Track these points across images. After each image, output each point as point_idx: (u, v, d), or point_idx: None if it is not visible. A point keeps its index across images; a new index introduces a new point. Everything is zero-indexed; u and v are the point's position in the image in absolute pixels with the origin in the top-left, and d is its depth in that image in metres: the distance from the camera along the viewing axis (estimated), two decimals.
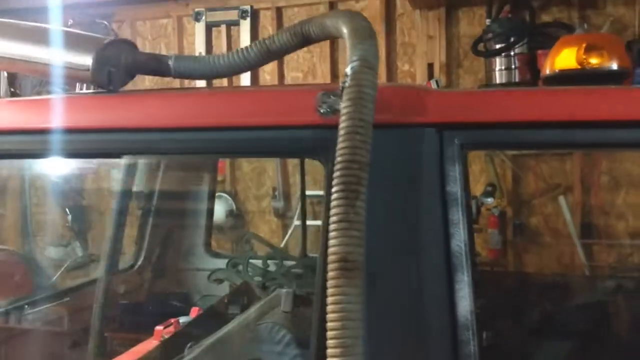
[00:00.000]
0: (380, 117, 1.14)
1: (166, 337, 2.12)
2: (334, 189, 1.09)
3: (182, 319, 2.28)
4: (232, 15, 4.99)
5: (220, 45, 5.11)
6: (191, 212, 2.96)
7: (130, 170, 2.22)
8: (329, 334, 1.04)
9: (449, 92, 1.61)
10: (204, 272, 2.94)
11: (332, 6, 4.72)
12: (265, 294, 2.64)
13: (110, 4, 5.21)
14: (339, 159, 1.10)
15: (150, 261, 2.83)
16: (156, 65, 1.58)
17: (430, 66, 4.35)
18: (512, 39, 4.04)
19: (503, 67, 4.11)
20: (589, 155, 4.16)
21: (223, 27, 5.07)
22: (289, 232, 4.77)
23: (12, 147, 1.41)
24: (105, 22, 5.03)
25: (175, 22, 5.19)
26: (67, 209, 5.01)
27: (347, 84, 1.16)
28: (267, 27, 4.99)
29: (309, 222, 4.84)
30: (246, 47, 1.50)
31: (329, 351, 1.04)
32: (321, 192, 4.60)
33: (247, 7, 4.93)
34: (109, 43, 1.50)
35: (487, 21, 4.22)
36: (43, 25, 1.56)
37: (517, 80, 4.01)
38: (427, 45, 4.35)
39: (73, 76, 1.47)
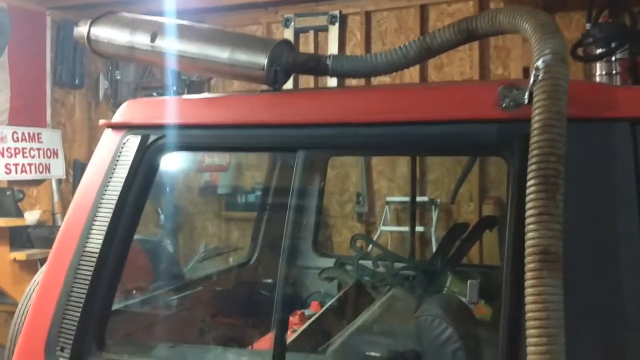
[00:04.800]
0: (572, 111, 1.15)
1: (295, 327, 2.20)
2: (531, 182, 1.11)
3: (307, 312, 2.35)
4: (321, 20, 5.08)
5: (308, 50, 5.21)
6: (302, 211, 3.03)
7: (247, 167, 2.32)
8: (531, 323, 1.06)
9: (637, 88, 1.61)
10: (311, 270, 3.01)
11: (422, 9, 4.73)
12: (375, 293, 2.69)
13: (201, 11, 5.40)
14: (535, 152, 1.12)
15: (263, 257, 2.93)
16: (314, 65, 1.65)
17: (526, 70, 4.30)
18: (613, 44, 3.94)
19: (604, 72, 4.01)
20: None
21: (311, 33, 5.17)
22: (375, 237, 4.79)
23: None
24: None
25: (264, 28, 5.33)
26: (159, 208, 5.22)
27: (540, 77, 1.18)
28: (355, 32, 5.06)
29: (392, 228, 4.92)
30: (405, 45, 1.54)
31: (532, 340, 1.05)
32: (406, 198, 4.58)
33: (336, 12, 5.01)
34: (276, 44, 1.58)
35: (587, 26, 4.12)
36: (217, 27, 1.65)
37: None
38: (523, 49, 4.30)
39: (247, 75, 1.56)
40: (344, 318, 2.23)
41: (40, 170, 5.22)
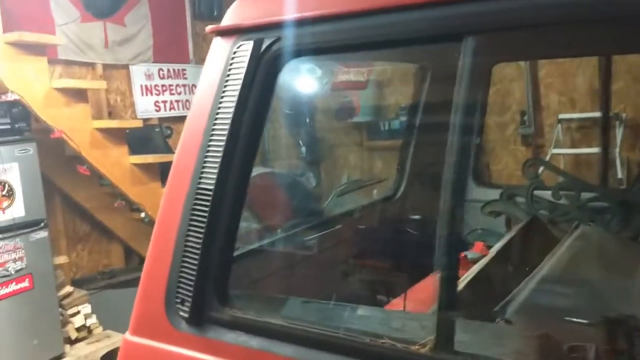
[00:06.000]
0: None
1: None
2: None
3: (469, 255, 1.94)
4: None
5: None
6: (462, 130, 2.57)
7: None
8: None
9: None
10: (471, 204, 2.56)
11: None
12: (557, 231, 2.20)
13: None
14: None
15: (411, 190, 2.54)
16: None
17: None
18: None
19: None
20: None
21: None
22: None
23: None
24: None
25: None
26: (300, 141, 5.01)
27: None
28: None
29: (567, 151, 4.21)
30: None
31: None
32: (583, 115, 3.79)
33: None
34: None
35: None
36: None
37: None
38: None
39: None
40: (521, 265, 1.79)
41: (188, 106, 5.25)
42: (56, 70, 4.18)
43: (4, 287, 3.22)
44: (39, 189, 3.43)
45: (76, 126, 3.69)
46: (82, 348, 3.67)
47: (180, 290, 1.26)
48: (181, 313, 1.25)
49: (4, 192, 3.22)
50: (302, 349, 1.10)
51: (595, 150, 3.79)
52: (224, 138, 1.22)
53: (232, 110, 1.22)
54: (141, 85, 4.86)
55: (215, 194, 1.22)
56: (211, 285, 1.23)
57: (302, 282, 1.80)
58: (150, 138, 4.43)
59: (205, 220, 1.22)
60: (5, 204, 3.23)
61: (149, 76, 4.90)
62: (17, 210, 3.28)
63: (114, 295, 4.51)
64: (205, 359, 1.22)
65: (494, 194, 2.51)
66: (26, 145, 3.36)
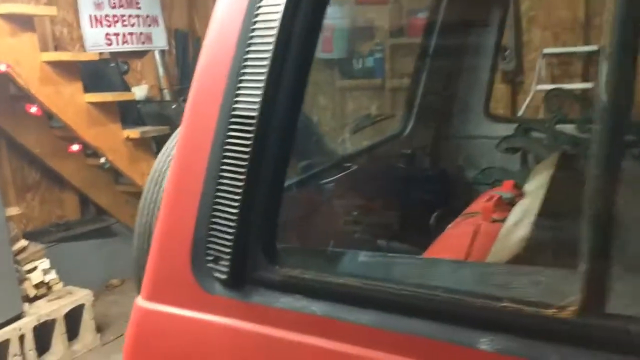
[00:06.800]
0: None
1: (496, 217, 1.61)
2: None
3: (504, 195, 1.74)
4: None
5: None
6: (469, 68, 2.34)
7: None
8: None
9: None
10: (482, 140, 2.37)
11: None
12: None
13: None
14: None
15: (420, 127, 2.31)
16: None
17: None
18: None
19: None
20: None
21: None
22: (528, 99, 3.99)
23: None
24: None
25: None
26: None
27: None
28: None
29: (550, 86, 4.07)
30: None
31: None
32: (567, 49, 3.60)
33: None
34: None
35: None
36: None
37: None
38: None
39: None
40: (567, 205, 1.60)
41: (142, 40, 4.76)
42: None
43: None
44: None
45: (23, 59, 3.22)
46: (42, 306, 3.34)
47: (213, 245, 0.99)
48: (216, 273, 0.99)
49: None
50: (384, 316, 0.87)
51: (587, 85, 3.66)
52: (271, 44, 0.93)
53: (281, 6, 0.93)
54: (90, 16, 4.33)
55: (260, 119, 0.94)
56: (256, 237, 0.97)
57: (351, 231, 1.55)
58: (105, 74, 3.98)
59: (247, 152, 0.94)
60: None
61: (98, 5, 4.37)
62: None
63: (71, 248, 4.16)
64: (249, 329, 0.97)
65: (508, 129, 2.33)
66: None
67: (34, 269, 3.39)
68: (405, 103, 2.28)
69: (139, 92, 4.56)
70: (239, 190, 0.96)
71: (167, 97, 5.03)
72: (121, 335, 3.70)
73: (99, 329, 3.67)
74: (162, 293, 1.06)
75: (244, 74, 0.97)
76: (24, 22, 3.26)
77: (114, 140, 3.77)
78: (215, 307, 1.00)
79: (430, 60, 2.22)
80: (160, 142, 4.10)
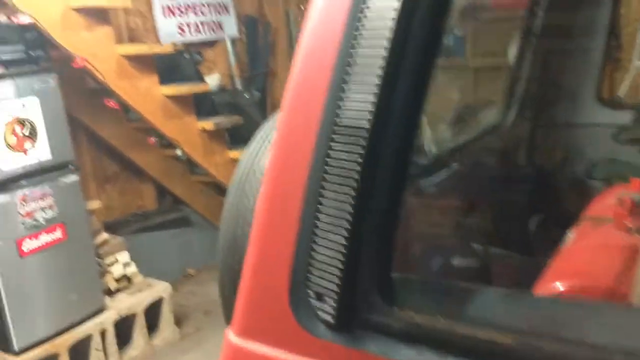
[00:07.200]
0: None
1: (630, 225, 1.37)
2: None
3: (636, 196, 1.49)
4: None
5: None
6: (578, 49, 2.06)
7: None
8: None
9: None
10: (594, 129, 2.10)
11: None
12: None
13: None
14: None
15: (524, 116, 2.06)
16: None
17: None
18: None
19: None
20: None
21: None
22: (629, 77, 3.60)
23: None
24: None
25: None
26: None
27: None
28: None
29: None
30: None
31: None
32: None
33: None
34: None
35: None
36: None
37: None
38: None
39: None
40: None
41: (213, 29, 4.69)
42: None
43: (34, 239, 2.86)
44: (64, 126, 2.98)
45: (99, 53, 3.20)
46: (123, 300, 3.35)
47: (315, 279, 0.84)
48: (319, 313, 0.84)
49: (24, 132, 2.79)
50: None
51: None
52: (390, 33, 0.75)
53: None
54: (162, 6, 4.29)
55: (374, 128, 0.76)
56: (369, 271, 0.80)
57: (471, 247, 1.36)
58: (180, 65, 3.93)
59: (357, 168, 0.77)
60: (27, 145, 2.81)
61: None
62: (42, 153, 2.86)
63: (148, 238, 4.18)
64: None
65: (624, 117, 2.04)
66: (46, 76, 2.88)
67: (115, 262, 3.41)
68: (506, 89, 2.04)
69: (211, 81, 4.49)
70: (348, 213, 0.79)
71: (238, 85, 4.95)
72: (200, 329, 3.68)
73: (177, 321, 3.66)
74: (256, 329, 0.92)
75: (352, 75, 0.79)
76: (98, 15, 3.23)
77: (189, 132, 3.72)
78: (320, 352, 0.85)
79: (535, 40, 1.97)
80: (232, 133, 4.03)
